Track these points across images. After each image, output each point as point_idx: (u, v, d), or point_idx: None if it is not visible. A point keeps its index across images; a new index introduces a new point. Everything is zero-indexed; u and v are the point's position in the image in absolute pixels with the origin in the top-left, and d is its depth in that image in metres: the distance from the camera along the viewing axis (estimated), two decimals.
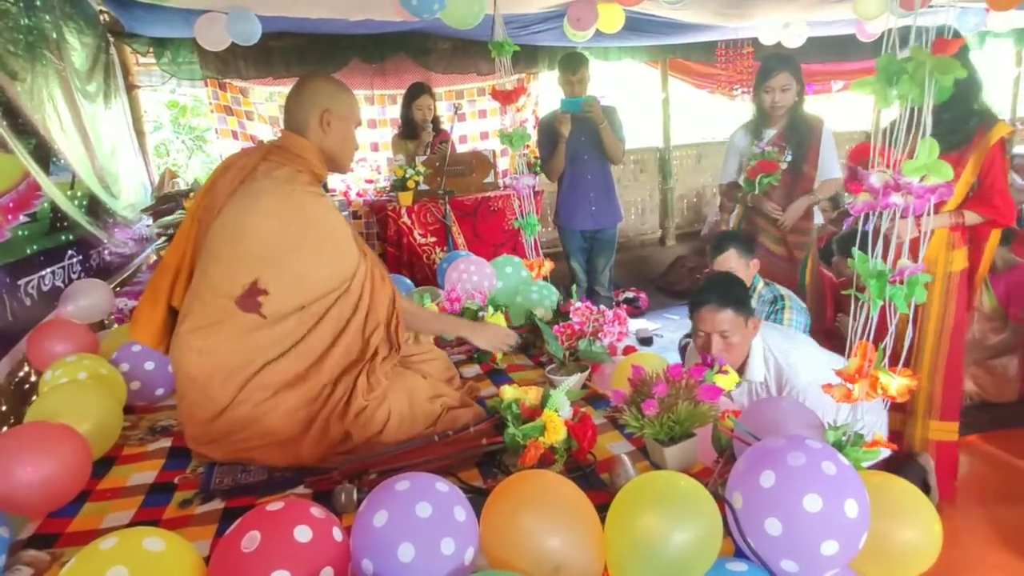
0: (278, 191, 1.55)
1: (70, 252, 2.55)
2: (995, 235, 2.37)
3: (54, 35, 2.85)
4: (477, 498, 1.13)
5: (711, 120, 8.42)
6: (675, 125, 6.22)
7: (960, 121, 2.23)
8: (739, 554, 1.10)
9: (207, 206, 1.62)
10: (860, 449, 1.30)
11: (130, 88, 4.13)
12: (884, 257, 1.26)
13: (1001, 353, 3.21)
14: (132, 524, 1.33)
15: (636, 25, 4.26)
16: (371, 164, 4.91)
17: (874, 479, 1.16)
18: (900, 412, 2.44)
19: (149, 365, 1.92)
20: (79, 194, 2.76)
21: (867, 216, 1.29)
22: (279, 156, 1.63)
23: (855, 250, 1.29)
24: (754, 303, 2.64)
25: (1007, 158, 2.26)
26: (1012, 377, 3.17)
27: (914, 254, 1.28)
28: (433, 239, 3.84)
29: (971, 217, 2.28)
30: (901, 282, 1.25)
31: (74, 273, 2.55)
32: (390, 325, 1.67)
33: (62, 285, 2.40)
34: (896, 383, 1.29)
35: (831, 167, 2.96)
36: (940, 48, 1.21)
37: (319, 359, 1.57)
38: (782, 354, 2.02)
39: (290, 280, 1.54)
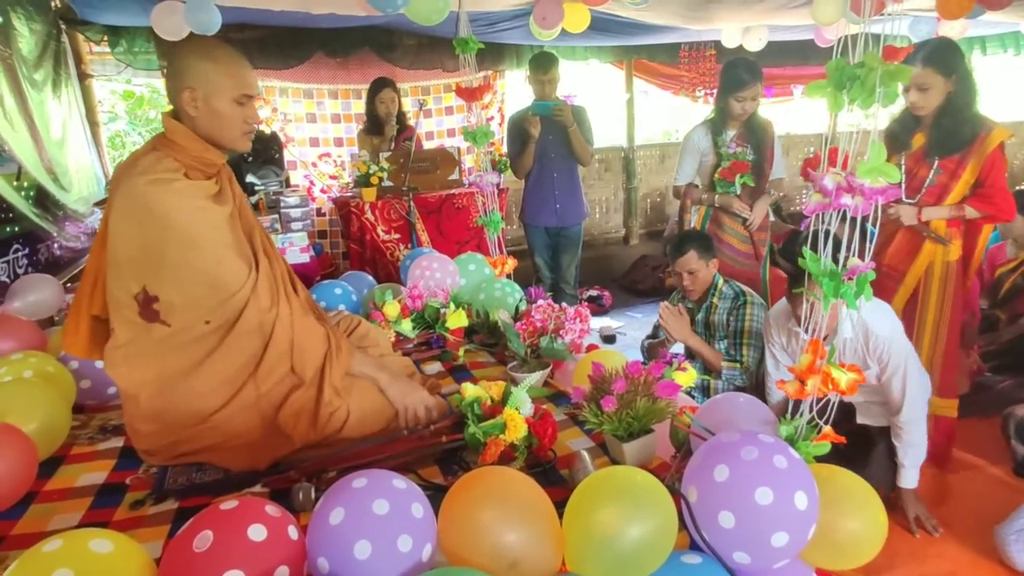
0: (127, 185, 1.41)
1: (16, 245, 2.47)
2: (987, 228, 2.57)
3: (0, 20, 2.75)
4: (436, 495, 1.12)
5: (674, 121, 8.54)
6: (639, 125, 6.29)
7: (959, 126, 2.39)
8: (694, 547, 1.13)
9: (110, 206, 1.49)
10: (811, 443, 1.33)
11: (83, 77, 3.99)
12: (861, 254, 1.30)
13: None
14: (80, 526, 1.29)
15: (601, 25, 4.28)
16: (335, 159, 4.85)
17: (822, 472, 1.19)
18: None
19: (100, 363, 1.85)
20: (26, 185, 2.66)
21: (820, 216, 1.33)
22: (157, 141, 1.49)
23: (805, 250, 1.32)
24: (716, 300, 2.71)
25: (1005, 159, 2.44)
26: (964, 371, 3.29)
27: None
28: (396, 236, 3.81)
29: (970, 212, 2.45)
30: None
31: (20, 267, 2.47)
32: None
33: (8, 280, 2.32)
34: (846, 378, 1.34)
35: (780, 167, 3.12)
36: (890, 55, 1.25)
37: (251, 376, 1.47)
38: (864, 309, 2.17)
39: (172, 284, 1.41)
